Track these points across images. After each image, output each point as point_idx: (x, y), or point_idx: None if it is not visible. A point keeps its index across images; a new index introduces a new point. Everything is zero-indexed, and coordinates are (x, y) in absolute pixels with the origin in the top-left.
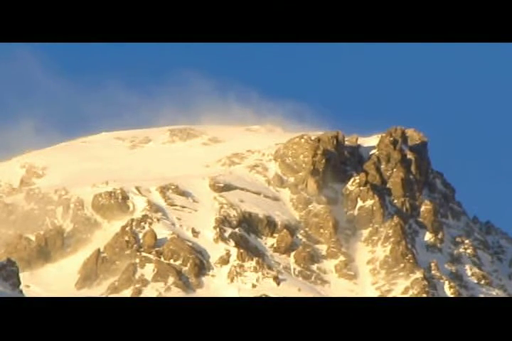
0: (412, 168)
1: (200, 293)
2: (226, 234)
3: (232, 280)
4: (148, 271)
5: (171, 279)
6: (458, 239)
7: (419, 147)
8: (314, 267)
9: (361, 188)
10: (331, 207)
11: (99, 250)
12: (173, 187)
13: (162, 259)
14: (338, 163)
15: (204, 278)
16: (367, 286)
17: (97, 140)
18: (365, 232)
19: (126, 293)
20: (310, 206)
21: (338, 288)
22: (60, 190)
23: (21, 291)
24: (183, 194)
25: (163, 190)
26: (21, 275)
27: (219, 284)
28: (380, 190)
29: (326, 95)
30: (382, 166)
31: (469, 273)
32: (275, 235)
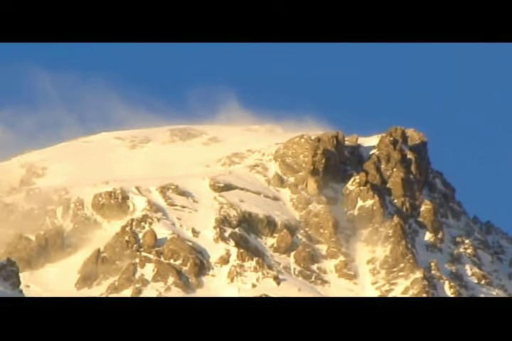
0: (412, 168)
1: (200, 293)
2: (226, 234)
3: (232, 280)
4: (148, 270)
5: (171, 279)
6: (458, 239)
7: (419, 147)
8: (314, 267)
9: (361, 188)
10: (331, 206)
11: (99, 250)
12: (173, 187)
13: (162, 259)
14: (338, 163)
15: (204, 278)
16: (367, 286)
17: (97, 140)
18: (365, 232)
19: (126, 293)
20: (310, 206)
21: (338, 288)
22: (60, 190)
23: (21, 291)
24: (183, 194)
25: (163, 190)
26: (21, 275)
27: (219, 284)
28: (380, 190)
29: (326, 95)
30: (382, 166)
31: (469, 273)
32: (275, 235)
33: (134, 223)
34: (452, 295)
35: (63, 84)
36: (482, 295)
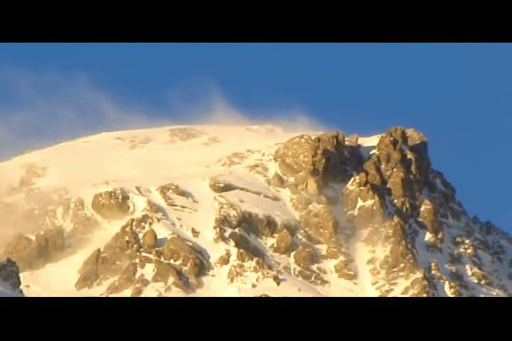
0: (412, 168)
1: (200, 293)
2: (226, 234)
3: (232, 280)
4: (149, 271)
5: (171, 279)
6: (458, 239)
7: (419, 147)
8: (314, 267)
9: (361, 188)
10: (331, 207)
11: (99, 250)
12: (173, 187)
13: (162, 259)
14: (338, 163)
15: (204, 278)
16: (367, 286)
17: (97, 140)
18: (365, 232)
19: (126, 293)
20: (310, 206)
21: (338, 288)
22: (60, 190)
23: (21, 291)
24: (183, 194)
25: (163, 190)
26: (21, 275)
27: (219, 284)
28: (380, 190)
29: (326, 95)
30: (382, 166)
31: (469, 273)
32: (275, 235)
33: (134, 223)
34: (452, 295)
35: (44, 84)
36: (482, 295)
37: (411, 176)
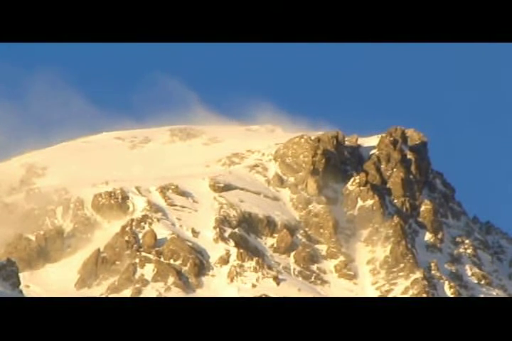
0: (412, 168)
1: (200, 293)
2: (226, 234)
3: (232, 280)
4: (148, 271)
5: (170, 279)
6: (458, 239)
7: (419, 147)
8: (314, 267)
9: (361, 188)
10: (331, 207)
11: (99, 250)
12: (173, 187)
13: (162, 259)
14: (338, 163)
15: (204, 278)
16: (367, 286)
17: (97, 140)
18: (365, 232)
19: (126, 293)
20: (310, 206)
21: (338, 288)
22: (60, 190)
23: (21, 291)
24: (183, 194)
25: (163, 190)
26: (21, 275)
27: (219, 284)
28: (380, 190)
29: (326, 95)
30: (382, 166)
31: (469, 273)
32: (275, 235)
33: (133, 223)
34: (452, 295)
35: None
36: (482, 295)
37: (411, 176)
